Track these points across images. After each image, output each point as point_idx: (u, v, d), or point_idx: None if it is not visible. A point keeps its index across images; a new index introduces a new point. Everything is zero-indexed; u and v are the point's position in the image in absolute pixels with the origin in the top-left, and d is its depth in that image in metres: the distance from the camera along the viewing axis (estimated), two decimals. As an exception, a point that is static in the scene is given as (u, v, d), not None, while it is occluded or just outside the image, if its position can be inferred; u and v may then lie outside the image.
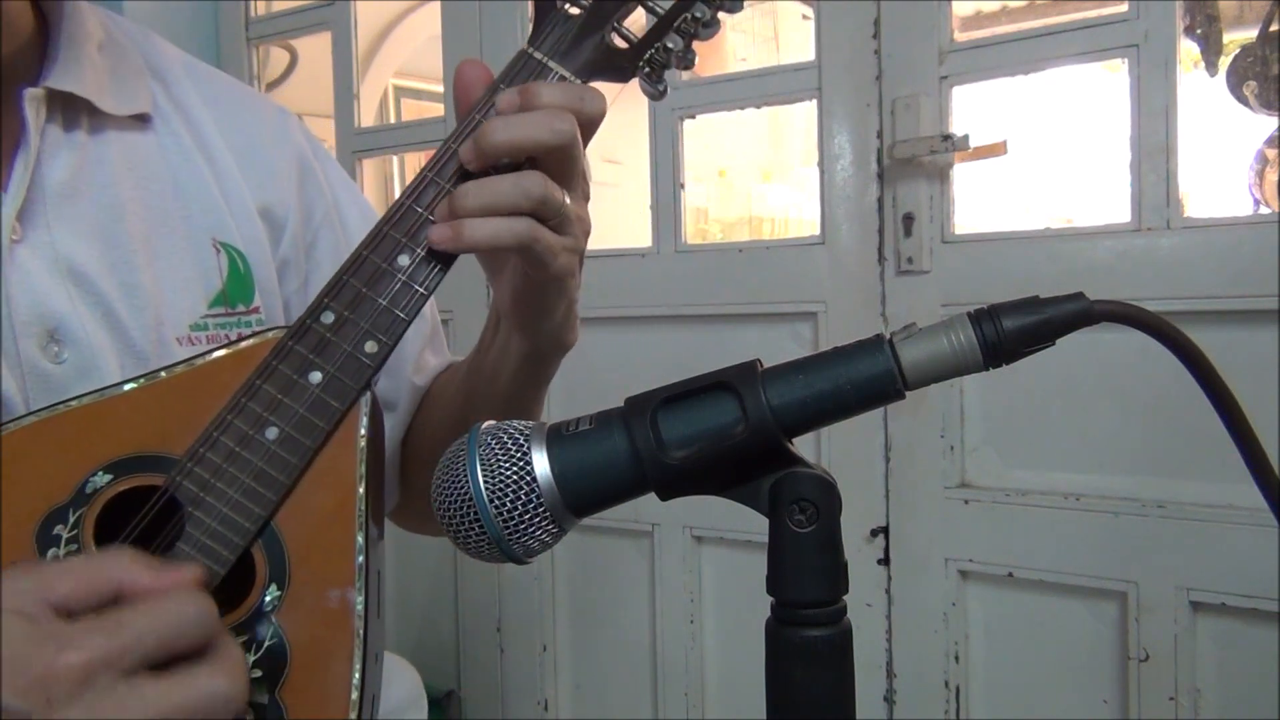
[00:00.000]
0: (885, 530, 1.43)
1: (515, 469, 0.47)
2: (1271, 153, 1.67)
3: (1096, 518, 1.28)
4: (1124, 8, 1.25)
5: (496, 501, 0.47)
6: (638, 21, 0.63)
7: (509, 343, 0.71)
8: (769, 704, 0.47)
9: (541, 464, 0.48)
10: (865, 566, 1.43)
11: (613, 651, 1.70)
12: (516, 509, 0.47)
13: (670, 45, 0.61)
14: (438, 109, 1.88)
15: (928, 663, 1.41)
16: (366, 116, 2.09)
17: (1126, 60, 1.25)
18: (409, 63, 2.94)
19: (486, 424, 0.50)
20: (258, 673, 0.56)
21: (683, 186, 1.60)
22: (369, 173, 2.62)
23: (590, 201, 0.66)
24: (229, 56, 2.05)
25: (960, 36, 1.37)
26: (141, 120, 0.72)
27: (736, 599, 1.57)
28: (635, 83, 0.64)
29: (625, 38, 0.62)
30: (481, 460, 0.48)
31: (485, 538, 0.48)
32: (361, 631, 0.57)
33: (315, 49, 2.10)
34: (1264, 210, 1.67)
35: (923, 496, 1.40)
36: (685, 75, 0.62)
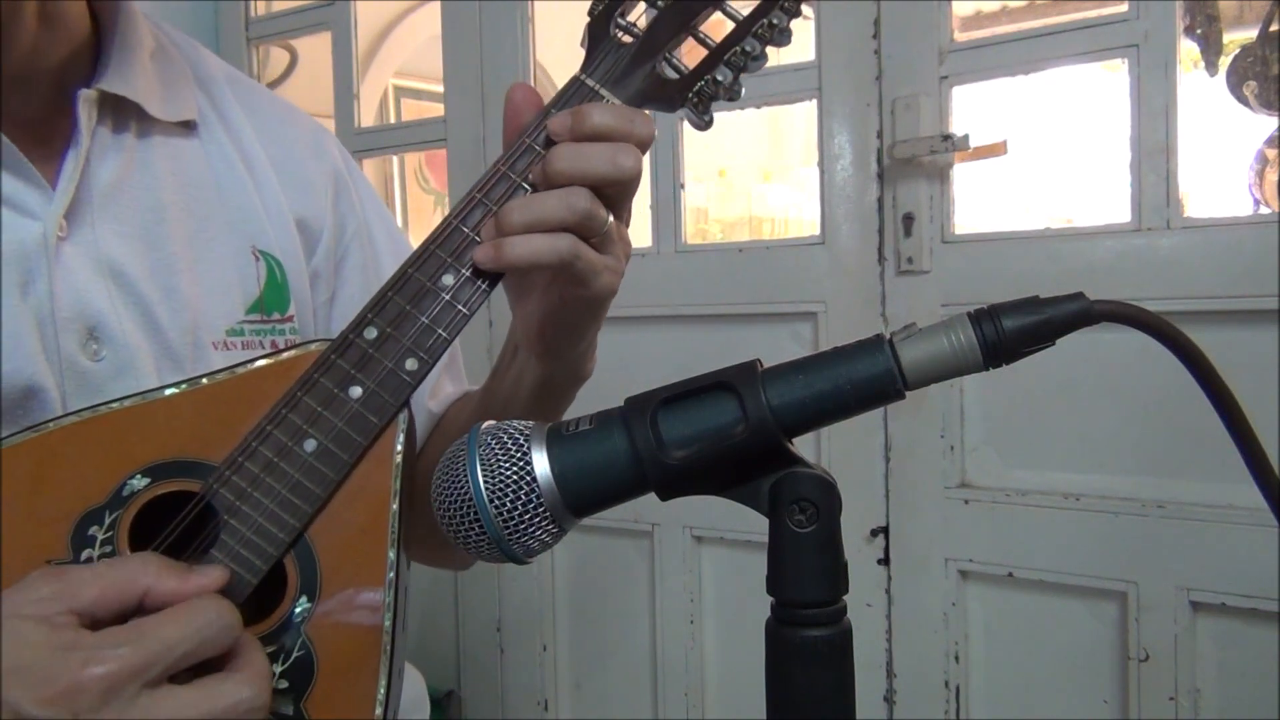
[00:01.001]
0: (885, 530, 1.43)
1: (515, 469, 0.47)
2: (1271, 153, 1.67)
3: (1096, 518, 1.28)
4: (1124, 8, 1.25)
5: (496, 501, 0.47)
6: (687, 51, 0.64)
7: (525, 371, 0.71)
8: (769, 704, 0.47)
9: (541, 464, 0.48)
10: (865, 566, 1.43)
11: (613, 651, 1.70)
12: (516, 509, 0.47)
13: (719, 78, 0.62)
14: (438, 109, 1.87)
15: (928, 663, 1.41)
16: (366, 116, 2.09)
17: (1126, 60, 1.25)
18: (409, 63, 2.94)
19: (486, 424, 0.50)
20: (284, 684, 0.56)
21: (683, 186, 1.60)
22: (369, 173, 2.62)
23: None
24: (229, 56, 2.05)
25: (960, 36, 1.37)
26: (187, 127, 0.73)
27: (736, 599, 1.57)
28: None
29: (676, 68, 0.62)
30: (481, 460, 0.48)
31: (485, 538, 0.48)
32: (389, 647, 0.57)
33: (315, 49, 2.10)
34: (1264, 210, 1.66)
35: (923, 496, 1.40)
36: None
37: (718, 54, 0.62)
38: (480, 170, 1.95)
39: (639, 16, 0.63)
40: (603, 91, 0.62)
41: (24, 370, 0.61)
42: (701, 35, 0.62)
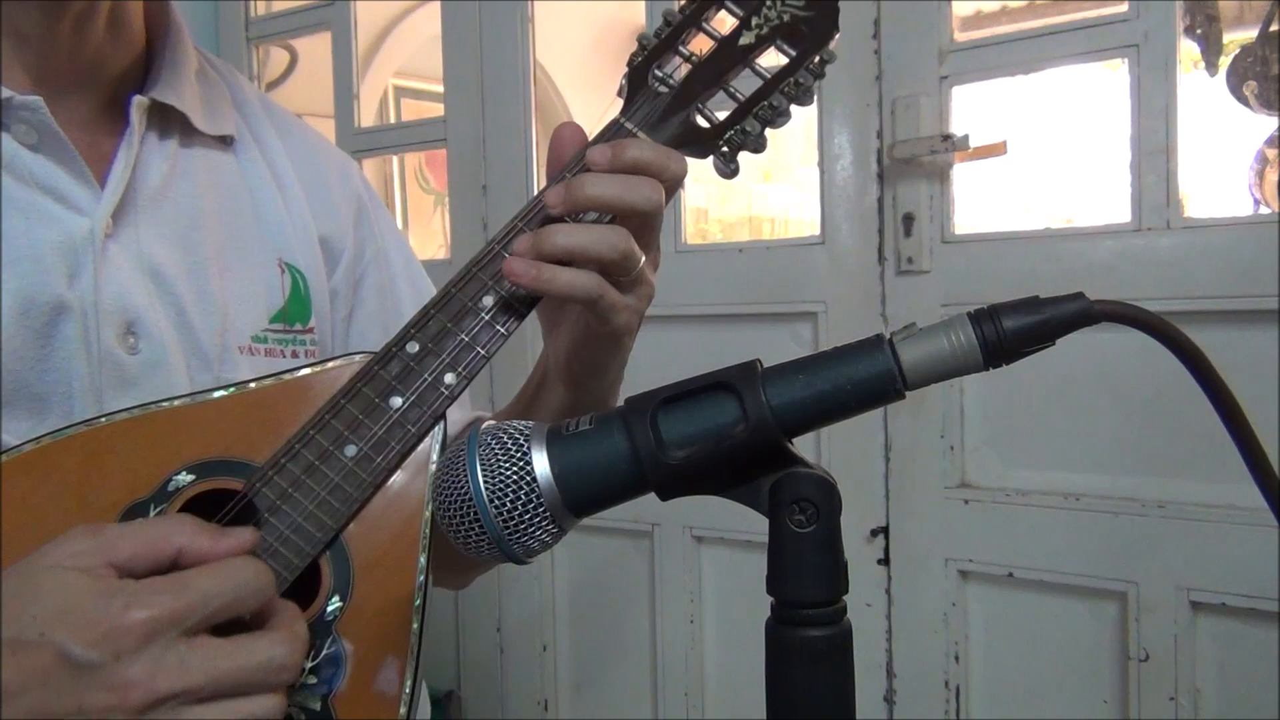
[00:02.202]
0: (885, 530, 1.43)
1: (515, 469, 0.48)
2: (1271, 153, 1.67)
3: (1096, 518, 1.28)
4: (1124, 8, 1.25)
5: (496, 501, 0.47)
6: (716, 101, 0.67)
7: (551, 398, 0.74)
8: (769, 704, 0.47)
9: (541, 464, 0.48)
10: (865, 566, 1.43)
11: (613, 651, 1.70)
12: (516, 509, 0.47)
13: (748, 129, 0.66)
14: (437, 109, 1.87)
15: (928, 663, 1.41)
16: (366, 116, 2.09)
17: (1126, 60, 1.25)
18: (409, 63, 2.94)
19: (486, 424, 0.50)
20: (313, 679, 0.57)
21: (683, 186, 1.59)
22: (369, 173, 2.62)
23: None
24: (229, 56, 2.05)
25: (960, 36, 1.37)
26: (225, 142, 0.77)
27: (736, 599, 1.57)
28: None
29: (708, 118, 0.66)
30: (481, 460, 0.48)
31: (485, 538, 0.48)
32: (415, 649, 0.59)
33: (315, 49, 2.10)
34: (1264, 210, 1.66)
35: (923, 496, 1.40)
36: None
37: (747, 108, 0.65)
38: (480, 171, 1.94)
39: (675, 70, 0.67)
40: (640, 135, 0.65)
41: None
42: (732, 90, 0.66)
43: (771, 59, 0.65)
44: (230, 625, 0.49)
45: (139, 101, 0.69)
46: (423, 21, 2.72)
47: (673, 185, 0.65)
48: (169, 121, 0.72)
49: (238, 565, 0.50)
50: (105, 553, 0.48)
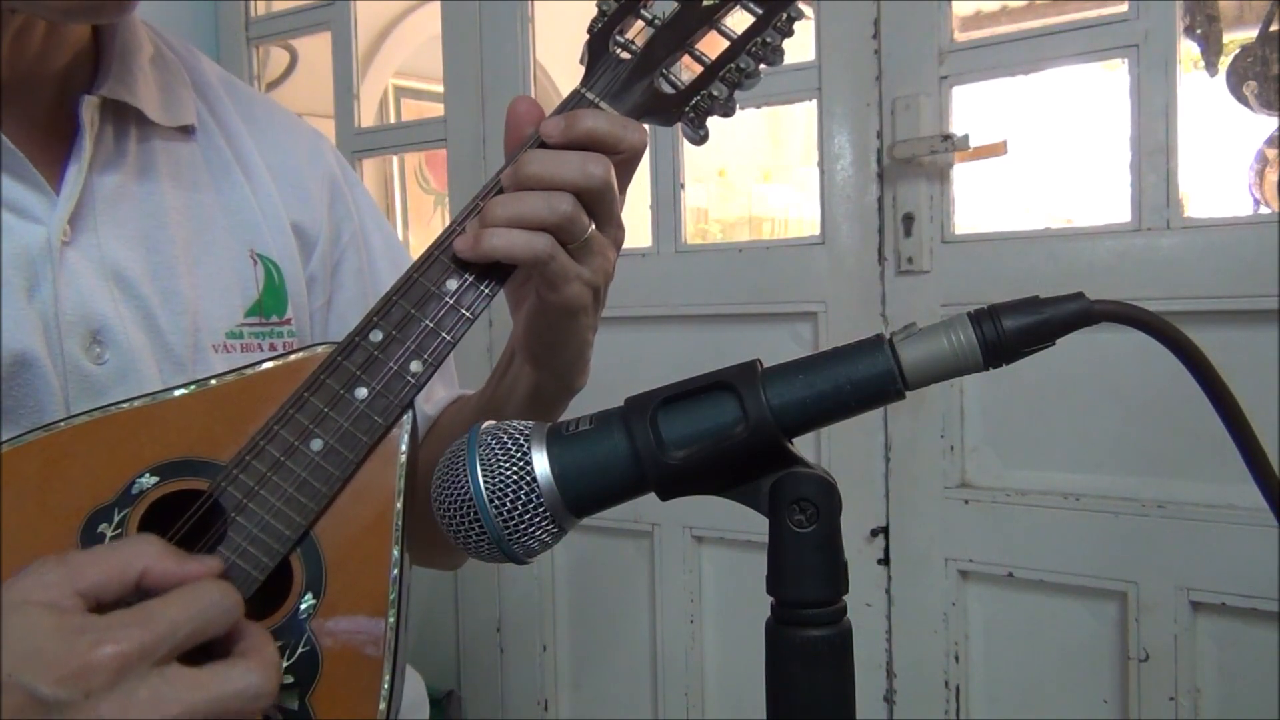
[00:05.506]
0: (885, 530, 1.43)
1: (515, 469, 0.48)
2: (1271, 153, 1.67)
3: (1096, 518, 1.28)
4: (1124, 8, 1.25)
5: (496, 501, 0.47)
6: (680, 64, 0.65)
7: (519, 377, 0.72)
8: (769, 704, 0.47)
9: (541, 464, 0.48)
10: (865, 566, 1.43)
11: (613, 651, 1.70)
12: (516, 509, 0.47)
13: (715, 93, 0.64)
14: (437, 109, 1.87)
15: (928, 663, 1.41)
16: (366, 116, 2.09)
17: (1126, 60, 1.25)
18: (409, 63, 2.94)
19: (486, 424, 0.50)
20: (289, 678, 0.56)
21: (683, 186, 1.60)
22: (369, 173, 2.62)
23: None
24: (229, 56, 2.05)
25: (960, 36, 1.37)
26: (185, 132, 0.74)
27: (736, 599, 1.57)
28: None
29: (673, 84, 0.64)
30: (481, 460, 0.48)
31: (485, 538, 0.48)
32: (393, 643, 0.58)
33: (315, 49, 2.10)
34: (1264, 210, 1.67)
35: (923, 496, 1.40)
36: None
37: (713, 71, 0.63)
38: (481, 171, 1.94)
39: (637, 34, 0.64)
40: (602, 105, 0.63)
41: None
42: (697, 53, 0.64)
43: (739, 20, 0.63)
44: (199, 647, 0.48)
45: (89, 101, 0.66)
46: (423, 21, 2.73)
47: (631, 156, 0.62)
48: (124, 117, 0.69)
49: (204, 589, 0.49)
50: (72, 581, 0.47)
